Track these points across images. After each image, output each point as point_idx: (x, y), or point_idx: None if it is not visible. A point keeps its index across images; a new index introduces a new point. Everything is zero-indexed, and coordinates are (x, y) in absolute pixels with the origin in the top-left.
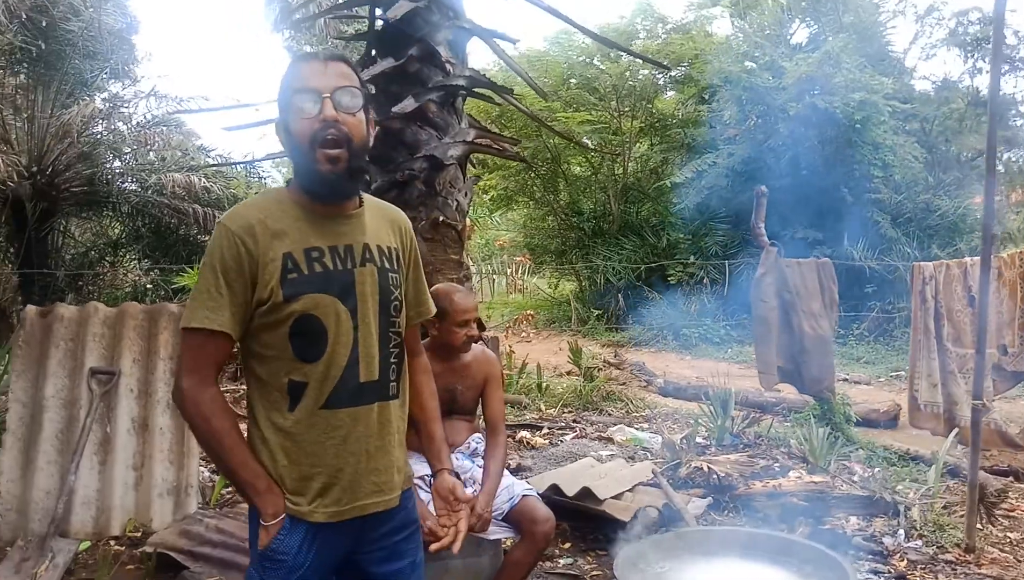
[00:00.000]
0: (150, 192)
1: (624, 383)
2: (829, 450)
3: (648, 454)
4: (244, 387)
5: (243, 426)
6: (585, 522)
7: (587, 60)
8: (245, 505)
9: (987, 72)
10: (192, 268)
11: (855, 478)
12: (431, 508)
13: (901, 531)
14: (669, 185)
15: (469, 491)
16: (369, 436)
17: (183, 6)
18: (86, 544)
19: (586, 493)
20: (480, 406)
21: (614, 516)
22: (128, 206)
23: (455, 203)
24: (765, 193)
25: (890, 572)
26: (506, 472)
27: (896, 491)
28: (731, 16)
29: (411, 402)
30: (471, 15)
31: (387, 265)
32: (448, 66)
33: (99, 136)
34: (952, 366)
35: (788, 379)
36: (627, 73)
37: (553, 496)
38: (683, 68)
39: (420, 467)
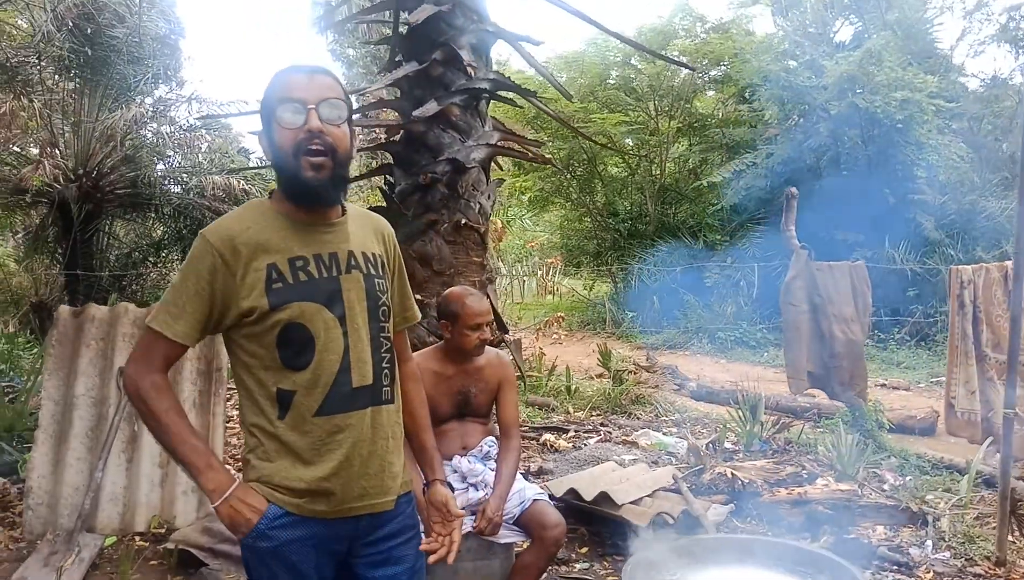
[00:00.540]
0: (191, 194)
1: (656, 386)
2: (858, 458)
3: (672, 459)
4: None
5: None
6: (602, 527)
7: (624, 61)
8: None
9: None
10: None
11: (885, 487)
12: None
13: (929, 542)
14: (707, 186)
15: (480, 494)
16: (362, 441)
17: (225, 11)
18: (112, 539)
19: (604, 497)
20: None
21: (631, 521)
22: (170, 208)
23: (478, 206)
24: (795, 195)
25: None
26: (518, 476)
27: (926, 501)
28: (773, 14)
29: (402, 410)
30: (506, 19)
31: (373, 271)
32: (471, 69)
33: (143, 139)
34: (991, 373)
35: (818, 384)
36: (667, 73)
37: (571, 500)
38: (723, 67)
39: None
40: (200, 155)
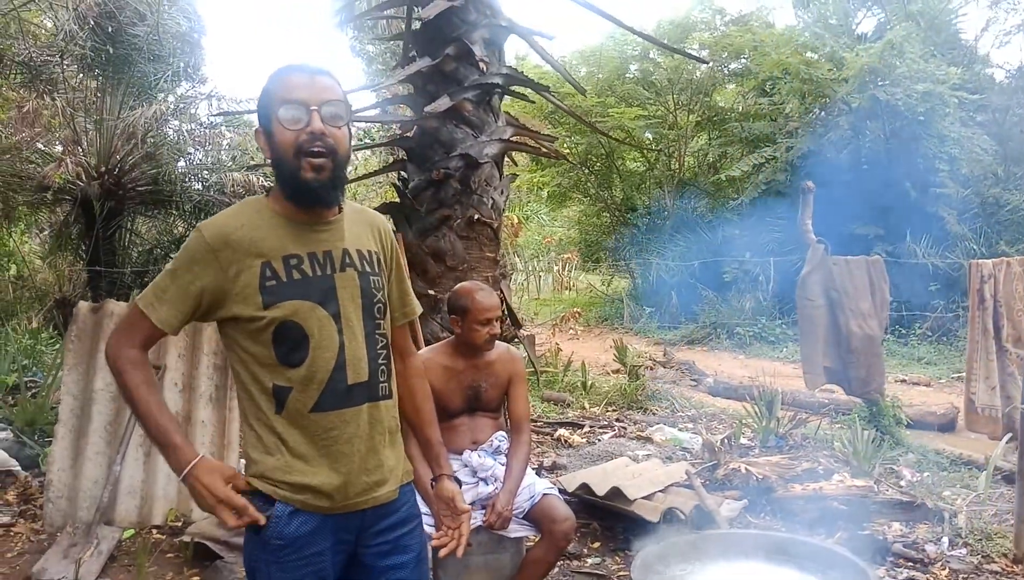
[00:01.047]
0: (212, 191)
1: (674, 382)
2: (875, 453)
3: (687, 455)
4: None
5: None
6: (615, 522)
7: (643, 54)
8: None
9: None
10: None
11: (902, 483)
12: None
13: (945, 539)
14: (726, 180)
15: (491, 488)
16: (359, 437)
17: (245, 7)
18: (130, 532)
19: (616, 493)
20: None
21: (643, 516)
22: (191, 205)
23: (491, 201)
24: (812, 189)
25: None
26: (529, 470)
27: (943, 497)
28: (793, 6)
29: (406, 406)
30: (523, 14)
31: (368, 269)
32: (483, 64)
33: (164, 137)
34: (1012, 368)
35: (835, 380)
36: (686, 67)
37: (584, 495)
38: (742, 61)
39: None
40: (221, 152)
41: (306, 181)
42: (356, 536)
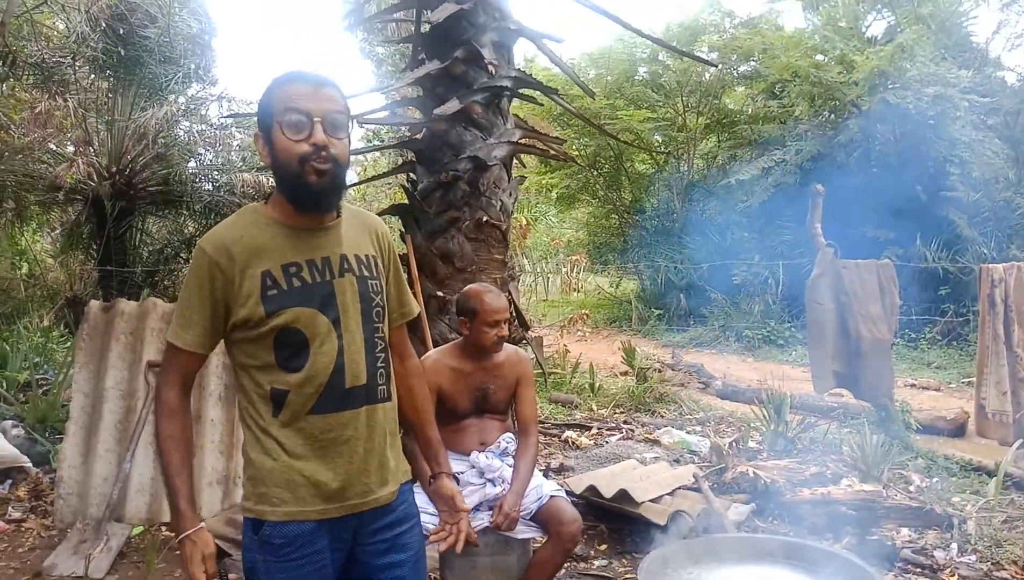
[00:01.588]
0: (222, 191)
1: (682, 385)
2: (884, 458)
3: (695, 458)
4: None
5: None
6: (622, 524)
7: (652, 57)
8: None
9: None
10: None
11: (911, 488)
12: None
13: (954, 545)
14: (735, 182)
15: (498, 490)
16: (358, 439)
17: (254, 9)
18: (139, 529)
19: (623, 495)
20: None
21: (650, 519)
22: (201, 205)
23: (499, 203)
24: (821, 192)
25: None
26: (536, 472)
27: (952, 503)
28: (803, 9)
29: (405, 406)
30: (531, 17)
31: (366, 273)
32: (492, 67)
33: (175, 137)
34: (1023, 373)
35: (844, 384)
36: (695, 69)
37: (591, 497)
38: (752, 63)
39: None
40: (231, 153)
41: (309, 184)
42: (353, 535)
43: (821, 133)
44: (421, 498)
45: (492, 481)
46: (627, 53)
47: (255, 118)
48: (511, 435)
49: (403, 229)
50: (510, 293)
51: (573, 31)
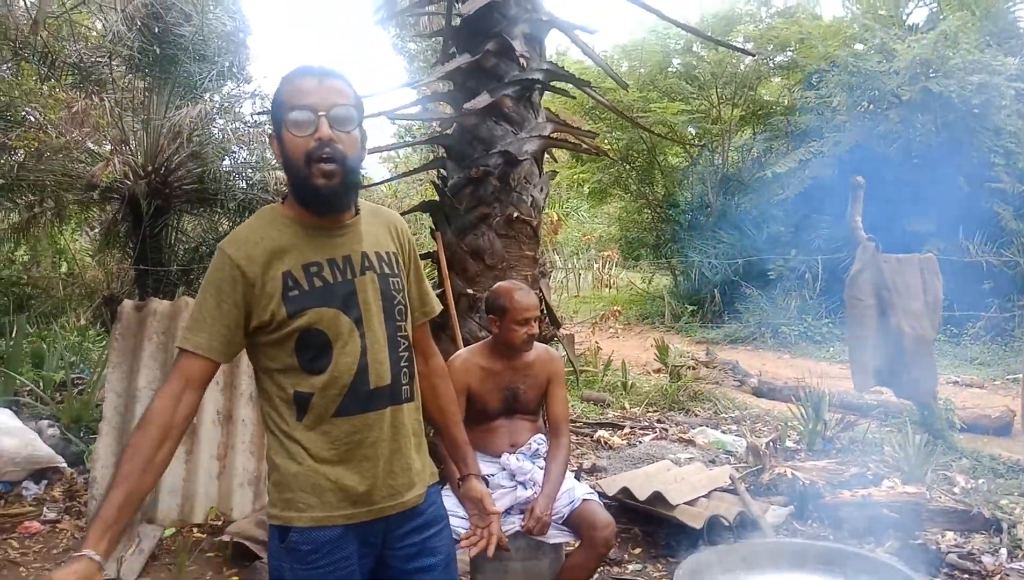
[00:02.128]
0: (255, 189)
1: (717, 382)
2: (927, 459)
3: (731, 458)
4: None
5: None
6: (656, 527)
7: (686, 48)
8: None
9: None
10: None
11: (956, 490)
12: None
13: (1003, 550)
14: (771, 175)
15: (529, 493)
16: (383, 441)
17: (290, 7)
18: (170, 531)
19: (657, 498)
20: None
21: (685, 523)
22: (235, 202)
23: (530, 199)
24: (862, 184)
25: None
26: (568, 474)
27: (1000, 506)
28: None
29: (429, 406)
30: (564, 8)
31: (387, 270)
32: (523, 60)
33: (209, 136)
34: None
35: (885, 382)
36: (730, 60)
37: (624, 499)
38: (788, 53)
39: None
40: (265, 150)
41: (316, 188)
42: (382, 539)
43: (860, 124)
44: (451, 501)
45: (523, 484)
46: (660, 45)
47: None
48: (542, 436)
49: (433, 226)
50: (541, 290)
51: (606, 22)
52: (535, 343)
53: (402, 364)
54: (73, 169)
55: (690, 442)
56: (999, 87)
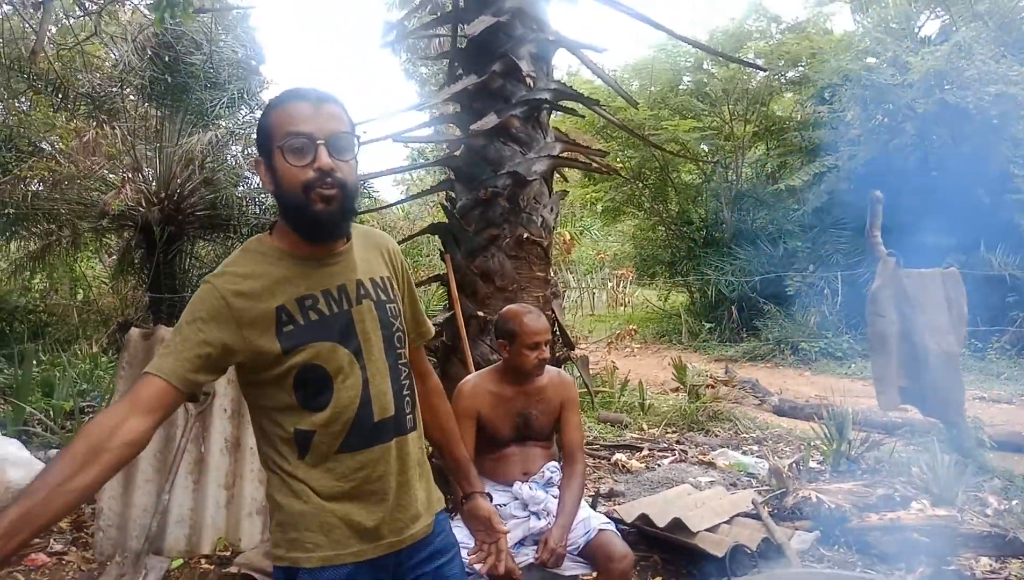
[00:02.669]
0: (268, 214)
1: (736, 401)
2: (957, 479)
3: (752, 481)
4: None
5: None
6: (677, 555)
7: (696, 65)
8: None
9: None
10: None
11: (988, 511)
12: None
13: None
14: (786, 190)
15: (543, 523)
16: (390, 474)
17: (299, 33)
18: (178, 562)
19: (677, 524)
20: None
21: (707, 550)
22: (248, 228)
23: (540, 219)
24: (880, 198)
25: None
26: (583, 503)
27: None
28: (852, 11)
29: (429, 427)
30: (572, 28)
31: (384, 297)
32: (530, 80)
33: (221, 162)
34: None
35: (910, 399)
36: (741, 76)
37: (643, 526)
38: (800, 68)
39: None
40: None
41: (316, 213)
42: (392, 574)
43: (875, 137)
44: (461, 532)
45: (536, 514)
46: (670, 63)
47: None
48: (556, 464)
49: (442, 248)
50: (553, 311)
51: (615, 42)
52: (547, 367)
53: (404, 392)
54: (87, 197)
55: (710, 464)
56: (1017, 97)
